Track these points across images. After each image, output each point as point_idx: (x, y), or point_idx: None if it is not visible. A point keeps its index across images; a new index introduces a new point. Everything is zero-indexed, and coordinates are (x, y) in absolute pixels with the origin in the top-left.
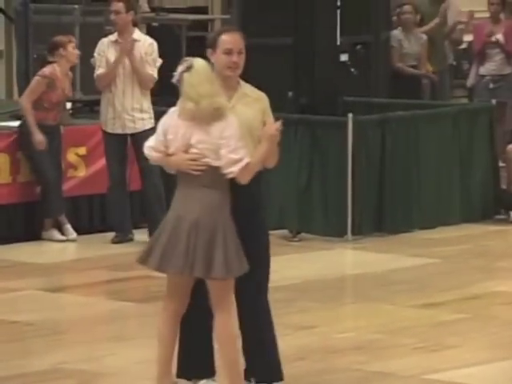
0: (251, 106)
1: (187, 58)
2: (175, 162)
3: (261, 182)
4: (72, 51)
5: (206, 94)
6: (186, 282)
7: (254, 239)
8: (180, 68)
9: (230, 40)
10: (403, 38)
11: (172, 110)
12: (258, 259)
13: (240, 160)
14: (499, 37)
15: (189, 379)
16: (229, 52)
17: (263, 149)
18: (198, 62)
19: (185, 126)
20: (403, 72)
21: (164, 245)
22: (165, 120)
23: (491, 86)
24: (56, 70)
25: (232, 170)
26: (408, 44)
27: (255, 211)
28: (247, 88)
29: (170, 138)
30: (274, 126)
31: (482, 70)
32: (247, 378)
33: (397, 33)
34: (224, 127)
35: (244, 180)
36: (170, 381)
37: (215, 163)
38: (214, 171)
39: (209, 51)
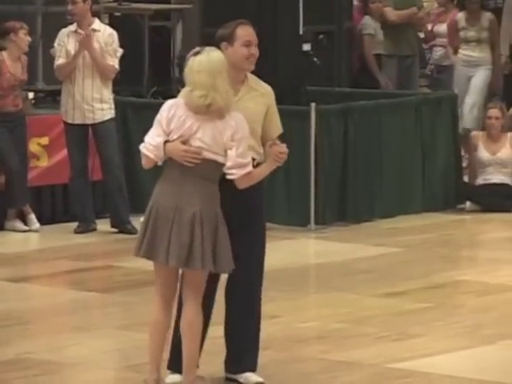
0: (256, 100)
1: (207, 48)
2: (169, 150)
3: (262, 185)
4: (23, 37)
5: (200, 84)
6: (176, 271)
7: (253, 233)
8: (191, 52)
9: (248, 32)
10: (376, 25)
11: (171, 101)
12: (253, 253)
13: (246, 165)
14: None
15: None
16: (249, 44)
17: (268, 167)
18: (210, 52)
19: (194, 118)
20: (369, 68)
21: (165, 236)
22: (168, 110)
23: (435, 75)
24: (3, 55)
25: (235, 173)
26: (379, 31)
27: (252, 205)
28: (253, 81)
29: (174, 127)
30: (282, 148)
31: (432, 59)
32: (237, 370)
33: (369, 20)
34: (236, 129)
35: (242, 185)
36: (159, 369)
37: (214, 157)
38: (213, 164)
39: (223, 45)
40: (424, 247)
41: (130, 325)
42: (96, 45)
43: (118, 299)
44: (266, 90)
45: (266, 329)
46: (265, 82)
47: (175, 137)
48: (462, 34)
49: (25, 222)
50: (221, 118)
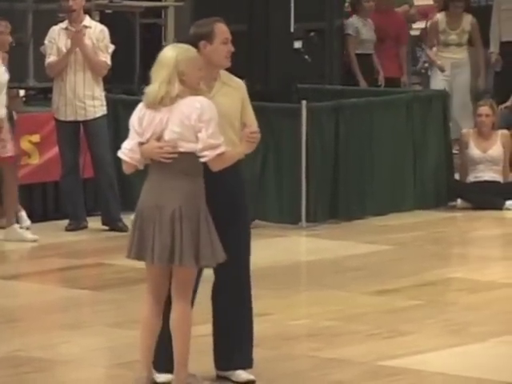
0: (230, 95)
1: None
2: (145, 151)
3: (240, 172)
4: (5, 38)
5: (154, 79)
6: (167, 270)
7: (233, 224)
8: None
9: (225, 30)
10: (361, 25)
11: (142, 103)
12: (238, 249)
13: (217, 146)
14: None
15: (157, 371)
16: (227, 41)
17: (242, 149)
18: (172, 46)
19: (163, 112)
20: (351, 68)
21: (150, 236)
22: (139, 110)
23: (429, 72)
24: None
25: (207, 154)
26: (366, 31)
27: (235, 201)
28: (226, 77)
29: (146, 124)
30: (252, 128)
31: (424, 55)
32: (230, 367)
33: (353, 20)
34: (202, 110)
35: (215, 167)
36: (150, 367)
37: (189, 147)
38: (191, 157)
39: (202, 43)
40: (415, 245)
41: (121, 322)
42: (88, 41)
43: (109, 297)
44: (239, 84)
45: (257, 326)
46: (256, 79)
47: (148, 135)
48: (442, 37)
49: (16, 219)
50: (170, 104)
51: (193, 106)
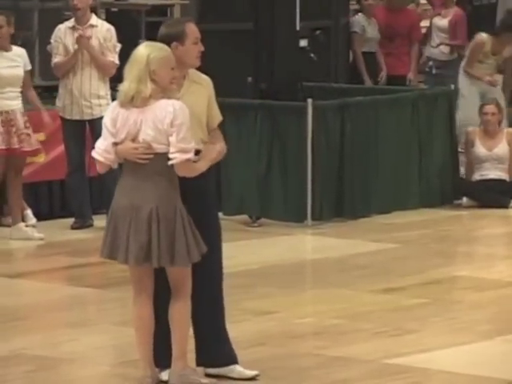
0: (198, 93)
1: (145, 42)
2: (120, 151)
3: (208, 173)
4: None
5: (125, 77)
6: (149, 268)
7: (204, 227)
8: None
9: (196, 30)
10: (366, 23)
11: (116, 101)
12: (208, 246)
13: (187, 151)
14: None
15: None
16: (197, 41)
17: (208, 163)
18: (145, 45)
19: (136, 113)
20: (357, 67)
21: (123, 236)
22: (112, 110)
23: (434, 71)
24: None
25: (176, 157)
26: (371, 29)
27: (202, 200)
28: (195, 75)
29: (119, 125)
30: (218, 149)
31: (427, 53)
32: (202, 364)
33: (359, 18)
34: (174, 115)
35: (181, 172)
36: (152, 364)
37: (163, 149)
38: (165, 158)
39: (174, 44)
40: (421, 243)
41: (126, 320)
42: (95, 41)
43: (114, 295)
44: (207, 81)
45: (262, 324)
46: (261, 77)
47: (122, 136)
48: (480, 56)
49: (22, 217)
50: (143, 105)
51: (166, 110)
